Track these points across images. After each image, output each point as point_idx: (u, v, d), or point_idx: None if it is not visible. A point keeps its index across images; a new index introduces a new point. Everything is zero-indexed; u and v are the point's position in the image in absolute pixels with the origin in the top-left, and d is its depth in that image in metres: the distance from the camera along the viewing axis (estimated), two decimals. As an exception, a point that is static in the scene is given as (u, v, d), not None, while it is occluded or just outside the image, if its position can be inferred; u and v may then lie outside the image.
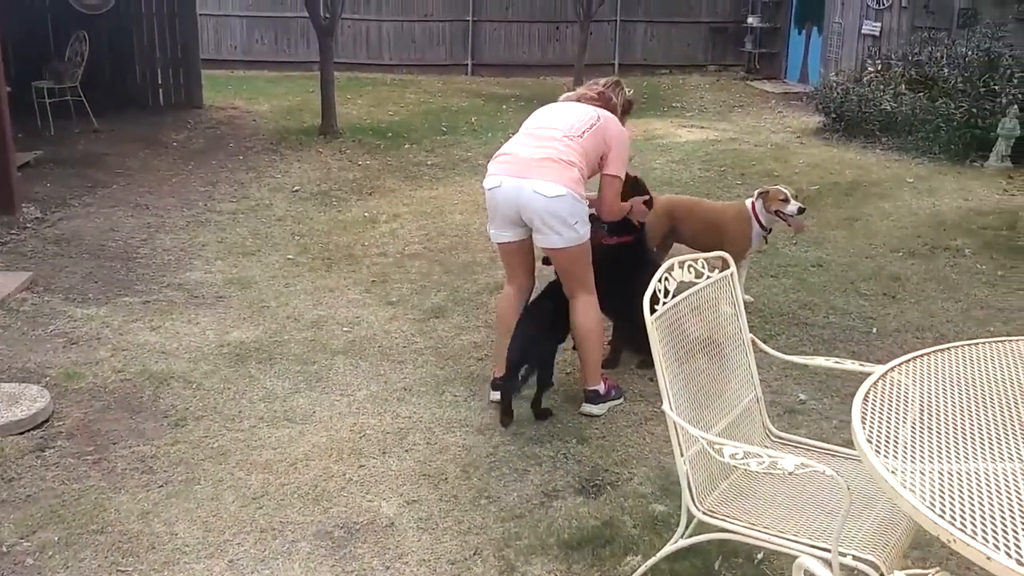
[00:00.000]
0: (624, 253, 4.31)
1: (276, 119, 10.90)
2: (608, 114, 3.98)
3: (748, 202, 5.13)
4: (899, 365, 2.45)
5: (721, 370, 2.71)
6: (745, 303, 5.52)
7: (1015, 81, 9.16)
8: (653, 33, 16.31)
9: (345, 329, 4.94)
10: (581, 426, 3.95)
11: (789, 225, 5.04)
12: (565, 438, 3.84)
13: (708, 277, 2.70)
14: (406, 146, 9.65)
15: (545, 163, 3.76)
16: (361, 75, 14.72)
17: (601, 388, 4.05)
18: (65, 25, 10.56)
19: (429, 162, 8.95)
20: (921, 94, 9.93)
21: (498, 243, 4.08)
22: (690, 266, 2.64)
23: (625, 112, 4.19)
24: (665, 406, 2.40)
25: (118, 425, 3.89)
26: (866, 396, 2.29)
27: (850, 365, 2.75)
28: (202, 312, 5.11)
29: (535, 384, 3.96)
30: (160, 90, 11.43)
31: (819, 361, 2.84)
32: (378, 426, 3.92)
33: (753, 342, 2.86)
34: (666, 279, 2.53)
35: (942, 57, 10.65)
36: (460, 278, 5.71)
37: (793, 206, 4.95)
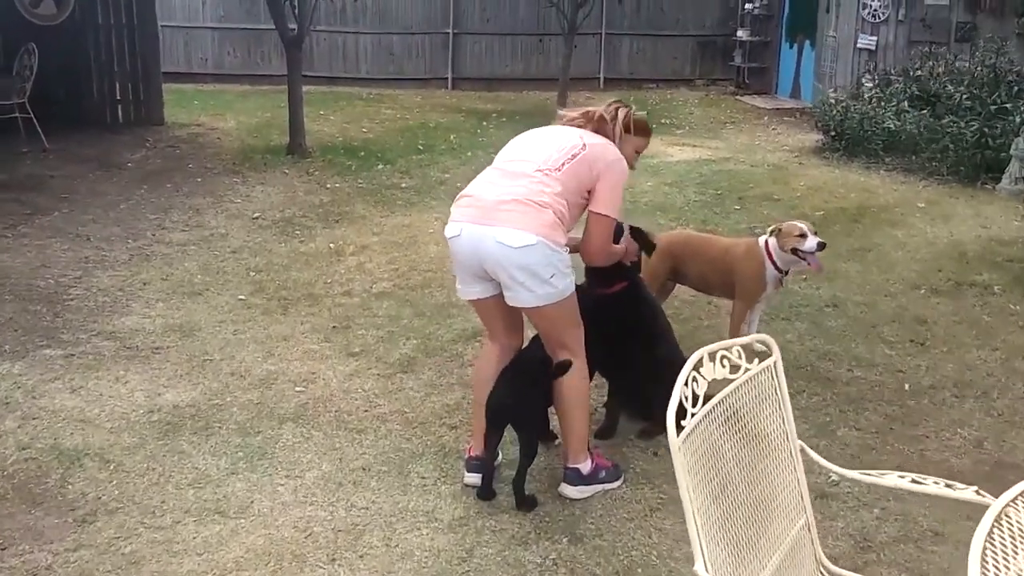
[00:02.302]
0: (617, 299, 3.67)
1: (242, 137, 10.22)
2: (598, 139, 3.33)
3: (761, 240, 4.49)
4: (1019, 497, 1.78)
5: (765, 495, 2.06)
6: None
7: (1028, 98, 8.62)
8: (639, 46, 15.72)
9: (298, 389, 4.26)
10: (574, 519, 3.29)
11: (809, 265, 4.39)
12: (554, 536, 3.18)
13: (747, 370, 2.05)
14: (379, 166, 8.99)
15: (512, 206, 3.12)
16: (337, 89, 14.06)
17: (585, 467, 3.40)
18: (15, 37, 9.84)
19: (403, 184, 8.29)
20: (925, 111, 9.37)
21: (467, 300, 3.43)
22: (724, 357, 1.98)
23: (631, 134, 3.50)
24: (698, 567, 1.73)
25: (12, 522, 3.20)
26: (984, 549, 1.63)
27: (933, 487, 2.09)
28: (133, 368, 4.42)
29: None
30: (119, 107, 10.72)
31: (892, 480, 2.18)
32: (328, 521, 3.24)
33: (803, 450, 2.20)
34: (694, 380, 1.87)
35: (943, 72, 10.13)
36: (433, 322, 5.04)
37: (812, 241, 4.31)
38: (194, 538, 3.14)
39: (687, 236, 4.88)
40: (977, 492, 2.00)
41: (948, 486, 2.06)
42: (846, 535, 3.21)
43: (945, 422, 4.03)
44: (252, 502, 3.36)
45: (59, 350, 4.58)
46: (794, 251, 4.34)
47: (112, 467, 3.56)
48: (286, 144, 9.39)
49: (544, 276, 3.09)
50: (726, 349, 1.99)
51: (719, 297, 4.87)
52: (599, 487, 3.43)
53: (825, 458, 3.72)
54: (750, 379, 2.05)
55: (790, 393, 4.31)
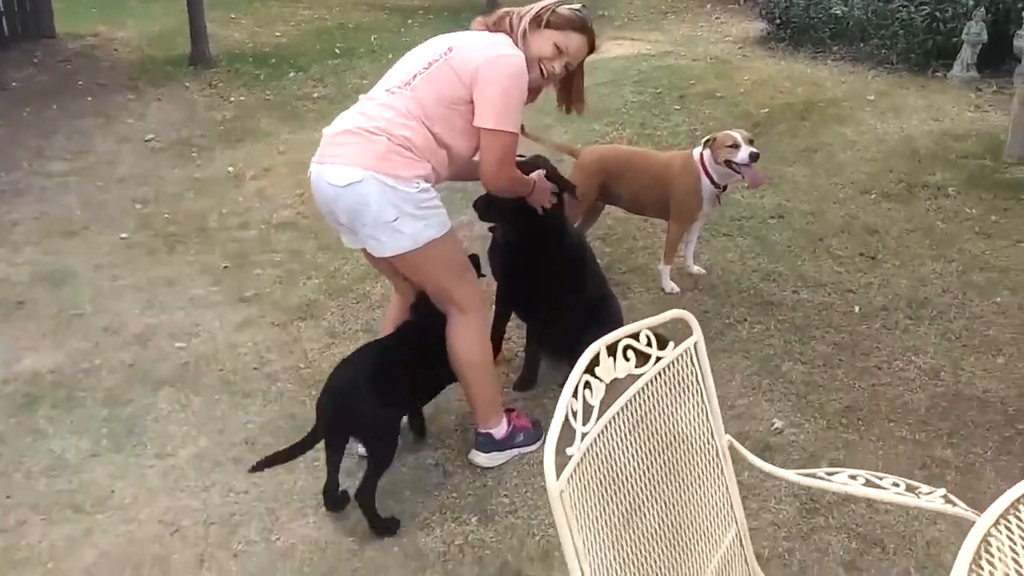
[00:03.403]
0: (532, 235, 3.18)
1: (142, 47, 9.34)
2: (480, 40, 2.72)
3: (696, 152, 4.00)
4: (1010, 513, 1.37)
5: (689, 510, 1.63)
6: (695, 275, 4.53)
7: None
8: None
9: (178, 345, 3.75)
10: (485, 492, 2.88)
11: (743, 178, 3.93)
12: (461, 515, 2.77)
13: (659, 359, 1.59)
14: (291, 75, 8.27)
15: (341, 138, 2.62)
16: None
17: (499, 431, 2.97)
18: None
19: (316, 94, 7.61)
20: (874, -5, 8.81)
21: (353, 248, 2.94)
22: (628, 348, 1.52)
23: (544, 28, 2.78)
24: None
25: None
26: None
27: (892, 492, 1.66)
28: (-9, 328, 3.86)
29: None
30: (2, 19, 9.70)
31: (842, 482, 1.74)
32: (200, 512, 2.80)
33: (731, 447, 1.77)
34: (587, 387, 1.40)
35: (893, -49, 9.53)
36: (339, 256, 4.52)
37: (745, 152, 3.84)
38: (40, 542, 2.68)
39: (616, 151, 4.37)
40: (947, 499, 1.59)
41: (911, 489, 1.64)
42: (790, 495, 2.84)
43: (898, 349, 3.67)
44: (113, 492, 2.89)
45: (-95, 311, 4.00)
46: (727, 163, 3.87)
47: (-49, 455, 3.06)
48: (188, 54, 8.58)
49: (385, 219, 2.57)
50: (631, 336, 1.52)
51: (653, 217, 4.40)
52: (515, 452, 3.02)
53: (768, 400, 3.38)
54: (664, 369, 1.60)
55: (731, 323, 3.96)
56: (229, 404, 3.35)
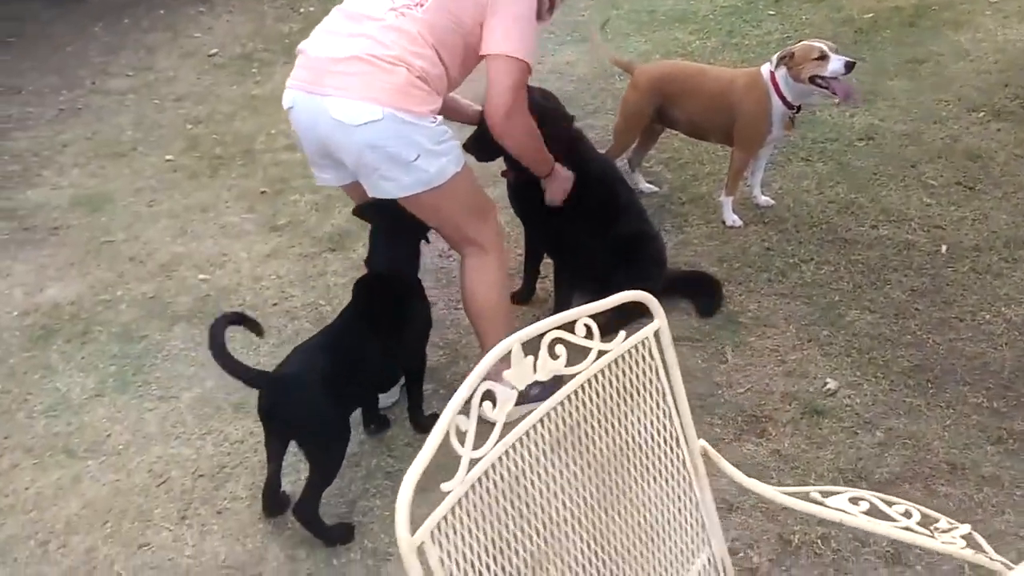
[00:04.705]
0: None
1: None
2: None
3: (764, 69, 3.54)
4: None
5: (637, 537, 1.33)
6: (762, 206, 4.10)
7: None
8: None
9: (202, 277, 3.61)
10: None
11: (835, 93, 3.45)
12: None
13: (601, 353, 1.28)
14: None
15: (348, 65, 2.28)
16: None
17: None
18: None
19: (388, 5, 7.28)
20: None
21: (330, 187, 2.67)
22: (557, 343, 1.21)
23: None
24: None
25: None
26: None
27: (900, 527, 1.32)
28: (23, 255, 3.81)
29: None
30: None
31: (838, 507, 1.39)
32: (191, 462, 2.66)
33: (705, 454, 1.45)
34: (486, 400, 1.11)
35: None
36: (382, 181, 4.26)
37: (837, 61, 3.35)
38: (27, 489, 2.60)
39: (674, 68, 3.91)
40: (969, 541, 1.25)
41: (927, 522, 1.30)
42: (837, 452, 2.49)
43: (987, 298, 3.21)
44: (109, 436, 2.79)
45: (-54, 235, 3.98)
46: (814, 80, 3.40)
47: (-41, 391, 3.01)
48: (266, -38, 8.32)
49: (406, 158, 2.29)
50: (565, 328, 1.22)
51: (715, 143, 3.97)
52: (531, 406, 2.74)
53: (824, 355, 3.00)
54: (611, 366, 1.29)
55: (794, 262, 3.54)
56: (242, 343, 3.17)
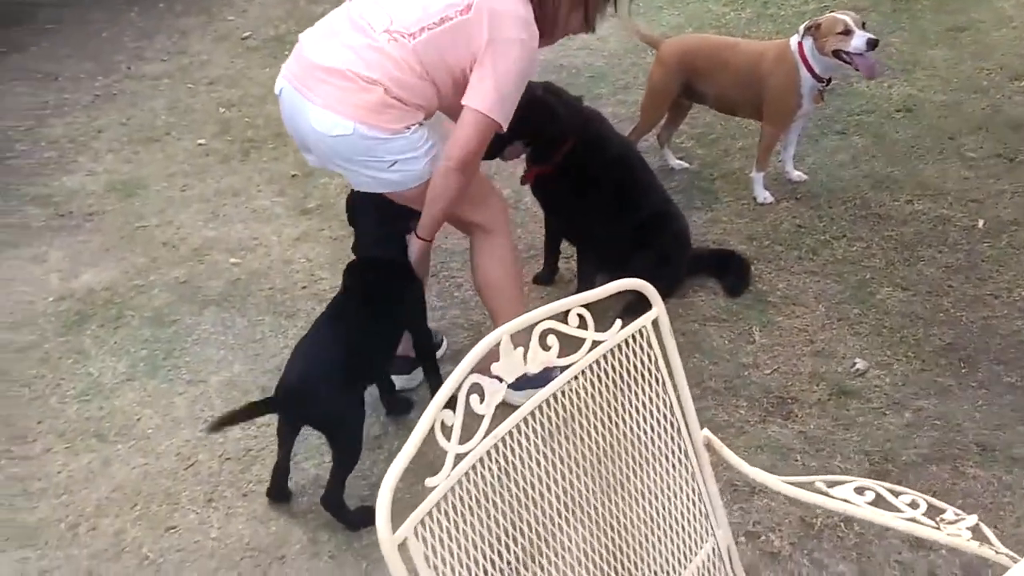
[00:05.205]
0: (573, 164, 2.83)
1: (257, -63, 9.16)
2: (499, 4, 2.26)
3: (793, 41, 3.47)
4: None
5: (636, 529, 1.32)
6: (795, 181, 4.02)
7: None
8: None
9: (233, 261, 3.65)
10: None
11: (857, 69, 3.38)
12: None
13: (596, 343, 1.27)
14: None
15: (331, 77, 2.26)
16: None
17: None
18: None
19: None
20: None
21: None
22: (549, 334, 1.20)
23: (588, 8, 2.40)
24: None
25: None
26: None
27: (905, 518, 1.29)
28: (58, 241, 3.87)
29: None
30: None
31: (843, 497, 1.36)
32: (219, 445, 2.70)
33: (708, 445, 1.43)
34: (473, 393, 1.11)
35: None
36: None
37: (860, 38, 3.27)
38: (59, 473, 2.65)
39: (700, 42, 3.84)
40: (975, 532, 1.22)
41: (933, 512, 1.27)
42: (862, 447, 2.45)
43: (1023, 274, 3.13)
44: (139, 420, 2.84)
45: (-16, 223, 4.07)
46: (837, 54, 3.33)
47: (-4, 375, 3.08)
48: (300, -58, 8.33)
49: (382, 164, 2.29)
50: (557, 318, 1.20)
51: (745, 118, 3.90)
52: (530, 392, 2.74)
53: (854, 334, 2.94)
54: (606, 356, 1.27)
55: (826, 239, 3.48)
56: (271, 326, 3.23)
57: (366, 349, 2.38)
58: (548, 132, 2.71)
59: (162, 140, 4.80)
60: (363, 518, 2.36)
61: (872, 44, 3.27)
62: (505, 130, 2.30)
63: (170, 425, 2.81)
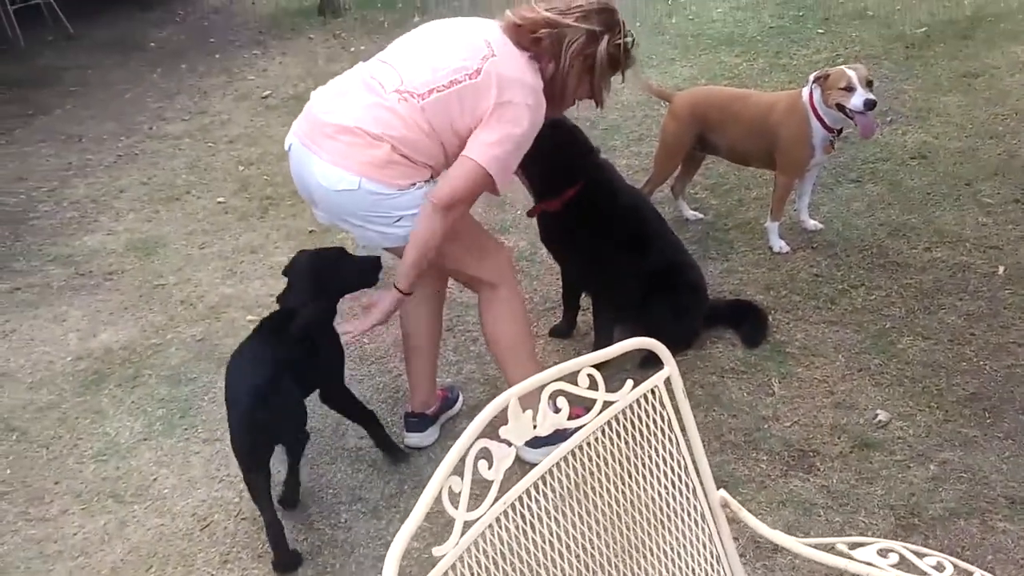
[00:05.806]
0: (573, 208, 2.84)
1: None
2: (504, 67, 2.27)
3: (804, 92, 3.48)
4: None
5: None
6: (810, 231, 4.01)
7: None
8: None
9: (249, 319, 3.65)
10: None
11: (856, 125, 3.37)
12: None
13: (607, 404, 1.25)
14: (415, 20, 8.03)
15: (338, 133, 2.28)
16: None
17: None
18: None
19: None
20: None
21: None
22: (559, 395, 1.19)
23: (611, 70, 2.40)
24: None
25: None
26: None
27: (928, 580, 1.26)
28: (78, 301, 3.91)
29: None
30: (149, -24, 9.98)
31: (865, 560, 1.33)
32: (234, 505, 2.69)
33: (725, 506, 1.40)
34: (481, 459, 1.09)
35: None
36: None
37: (859, 97, 3.27)
38: (75, 535, 2.64)
39: (711, 94, 3.85)
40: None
41: (959, 575, 1.23)
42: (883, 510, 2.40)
43: (1048, 321, 3.08)
44: (155, 479, 2.83)
45: (6, 283, 4.11)
46: (839, 107, 3.34)
47: (15, 437, 3.09)
48: (318, 2, 8.52)
49: (388, 219, 2.30)
50: (567, 380, 1.19)
51: (758, 168, 3.90)
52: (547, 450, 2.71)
53: (875, 385, 2.90)
54: (618, 417, 1.26)
55: (844, 288, 3.46)
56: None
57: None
58: (564, 154, 2.71)
59: (182, 199, 4.86)
60: (293, 561, 2.43)
61: (870, 105, 3.27)
62: (499, 188, 2.31)
63: (186, 485, 2.80)
